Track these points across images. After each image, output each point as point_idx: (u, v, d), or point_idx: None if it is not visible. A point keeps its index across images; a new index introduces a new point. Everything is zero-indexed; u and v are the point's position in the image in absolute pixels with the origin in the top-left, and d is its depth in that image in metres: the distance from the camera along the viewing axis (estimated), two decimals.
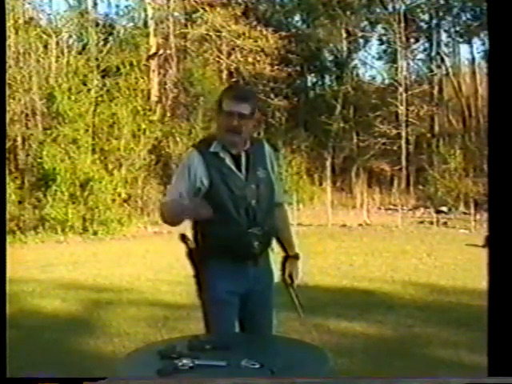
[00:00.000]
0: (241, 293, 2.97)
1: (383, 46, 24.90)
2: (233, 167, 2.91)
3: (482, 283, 5.76)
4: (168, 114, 19.03)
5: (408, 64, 22.91)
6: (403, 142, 21.20)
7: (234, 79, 21.53)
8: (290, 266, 3.13)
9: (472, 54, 28.07)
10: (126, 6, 21.51)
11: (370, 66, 28.97)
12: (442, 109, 23.83)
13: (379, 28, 24.50)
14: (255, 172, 2.95)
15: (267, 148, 3.07)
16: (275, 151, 3.22)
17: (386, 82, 24.47)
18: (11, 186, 13.84)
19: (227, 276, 2.91)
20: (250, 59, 20.38)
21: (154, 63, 19.82)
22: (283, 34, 20.88)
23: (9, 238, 11.56)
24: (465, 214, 15.56)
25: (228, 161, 2.90)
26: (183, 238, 2.97)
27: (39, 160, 14.42)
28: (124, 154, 15.62)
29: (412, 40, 23.38)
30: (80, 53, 16.96)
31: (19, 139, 15.49)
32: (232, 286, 2.93)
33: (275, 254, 3.15)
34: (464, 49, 36.40)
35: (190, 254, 2.97)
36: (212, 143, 2.92)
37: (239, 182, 2.91)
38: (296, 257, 3.15)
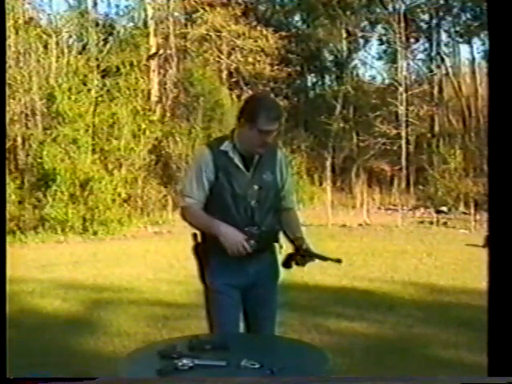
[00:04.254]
0: (241, 287, 3.04)
1: (383, 46, 24.95)
2: (241, 166, 3.00)
3: (482, 283, 5.76)
4: (168, 114, 19.04)
5: (408, 64, 22.92)
6: (403, 142, 21.20)
7: (234, 79, 21.55)
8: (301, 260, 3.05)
9: (472, 54, 28.13)
10: (126, 6, 21.57)
11: (369, 66, 29.06)
12: (442, 109, 23.84)
13: (379, 28, 24.56)
14: (261, 174, 3.03)
15: (280, 154, 3.16)
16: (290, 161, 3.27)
17: (386, 82, 24.51)
18: (11, 186, 13.83)
19: (226, 270, 2.99)
20: (250, 59, 20.39)
21: (154, 63, 19.82)
22: (283, 33, 20.90)
23: (9, 238, 11.55)
24: (465, 214, 15.55)
25: (237, 160, 3.00)
26: (195, 236, 3.10)
27: (39, 160, 14.41)
28: (124, 154, 15.62)
29: (412, 40, 23.39)
30: (80, 53, 16.96)
31: (19, 139, 15.48)
32: (231, 279, 3.00)
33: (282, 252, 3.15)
34: (464, 49, 36.45)
35: (196, 249, 3.09)
36: (223, 142, 3.03)
37: (243, 181, 2.99)
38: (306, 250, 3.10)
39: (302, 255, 2.97)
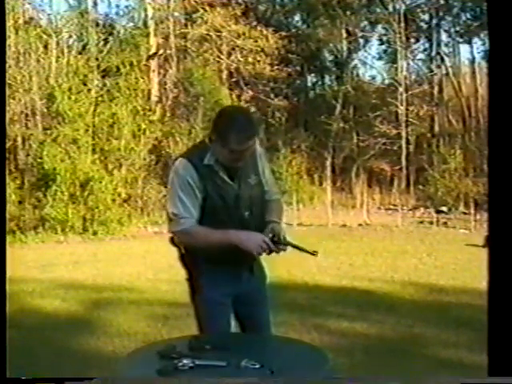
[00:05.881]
0: (235, 294, 2.97)
1: (383, 46, 24.96)
2: (226, 178, 2.85)
3: (482, 283, 5.76)
4: (168, 114, 19.03)
5: (408, 64, 22.94)
6: (403, 142, 21.21)
7: (234, 79, 21.55)
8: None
9: (472, 54, 28.19)
10: (126, 6, 21.60)
11: (370, 65, 29.07)
12: (442, 109, 23.85)
13: (379, 28, 24.56)
14: (247, 180, 2.90)
15: (258, 150, 3.00)
16: (266, 150, 3.13)
17: (386, 82, 24.51)
18: (11, 186, 13.83)
19: (221, 278, 2.89)
20: (250, 59, 20.39)
21: (154, 63, 19.82)
22: (283, 33, 20.90)
23: (9, 238, 11.55)
24: (465, 214, 15.56)
25: (222, 173, 2.85)
26: (173, 241, 2.96)
27: (39, 160, 14.42)
28: (124, 154, 15.62)
29: (412, 40, 23.41)
30: (80, 53, 16.97)
31: (19, 139, 15.48)
32: (226, 288, 2.91)
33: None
34: (464, 49, 36.50)
35: (182, 258, 2.96)
36: (205, 155, 2.83)
37: (232, 192, 2.86)
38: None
39: (273, 242, 2.79)
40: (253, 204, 2.91)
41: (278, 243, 2.81)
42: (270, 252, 2.81)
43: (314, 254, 2.81)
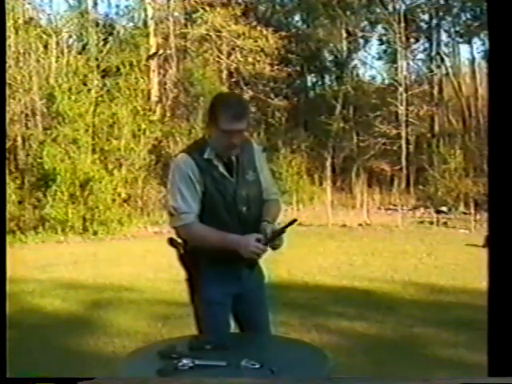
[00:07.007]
0: (234, 293, 2.98)
1: (383, 46, 24.93)
2: (225, 173, 2.89)
3: (482, 283, 5.76)
4: (168, 114, 19.03)
5: (408, 64, 22.91)
6: (403, 141, 21.20)
7: (234, 79, 21.54)
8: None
9: (472, 54, 28.11)
10: (126, 6, 21.53)
11: (369, 65, 29.03)
12: (442, 109, 23.83)
13: (379, 28, 24.53)
14: (245, 176, 2.93)
15: (255, 147, 3.05)
16: (264, 150, 3.16)
17: (386, 82, 24.49)
18: (11, 186, 13.83)
19: (220, 278, 2.90)
20: (250, 59, 20.37)
21: (153, 63, 19.81)
22: (283, 33, 20.87)
23: (9, 238, 11.55)
24: (465, 214, 15.55)
25: (221, 167, 2.89)
26: (171, 241, 2.98)
27: (39, 160, 14.41)
28: (124, 154, 15.62)
29: (412, 40, 23.38)
30: (80, 53, 16.97)
31: (19, 139, 15.48)
32: (226, 287, 2.92)
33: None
34: (464, 49, 36.43)
35: (182, 258, 2.98)
36: (205, 150, 2.88)
37: (231, 187, 2.90)
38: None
39: (265, 242, 2.83)
40: (250, 199, 2.94)
41: (269, 242, 2.84)
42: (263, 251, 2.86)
43: (294, 221, 2.89)
